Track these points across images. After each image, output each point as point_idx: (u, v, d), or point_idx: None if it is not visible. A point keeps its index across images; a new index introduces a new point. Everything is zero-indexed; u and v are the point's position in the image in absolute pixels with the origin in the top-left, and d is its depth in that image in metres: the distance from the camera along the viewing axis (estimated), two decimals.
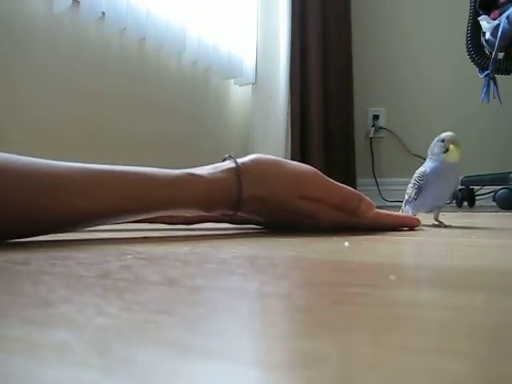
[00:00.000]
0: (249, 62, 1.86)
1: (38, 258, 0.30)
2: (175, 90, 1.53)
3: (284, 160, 0.50)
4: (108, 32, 1.29)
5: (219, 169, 0.46)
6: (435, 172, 0.59)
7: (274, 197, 0.47)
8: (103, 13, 1.25)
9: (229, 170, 0.46)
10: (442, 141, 0.60)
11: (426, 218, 0.56)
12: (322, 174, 0.50)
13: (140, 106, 1.39)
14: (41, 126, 1.11)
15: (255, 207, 0.47)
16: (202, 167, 0.46)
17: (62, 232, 0.42)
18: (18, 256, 0.31)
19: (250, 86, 1.89)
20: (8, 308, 0.17)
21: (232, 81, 1.82)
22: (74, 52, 1.20)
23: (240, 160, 0.47)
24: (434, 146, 0.61)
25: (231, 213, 0.47)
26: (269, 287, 0.21)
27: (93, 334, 0.14)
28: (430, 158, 0.61)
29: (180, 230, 0.56)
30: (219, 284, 0.22)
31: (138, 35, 1.36)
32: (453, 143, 0.58)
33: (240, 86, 1.85)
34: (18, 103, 1.08)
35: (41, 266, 0.27)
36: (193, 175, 0.44)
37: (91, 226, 0.42)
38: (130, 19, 1.32)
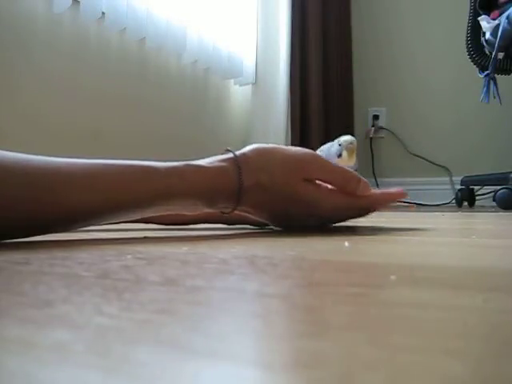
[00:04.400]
0: (249, 62, 1.86)
1: (37, 257, 0.30)
2: (175, 89, 1.53)
3: (283, 146, 0.50)
4: (108, 32, 1.29)
5: (218, 159, 0.46)
6: None
7: (275, 183, 0.47)
8: (103, 13, 1.25)
9: (228, 160, 0.46)
10: (340, 144, 0.61)
11: (424, 218, 0.56)
12: (321, 156, 0.51)
13: (140, 106, 1.39)
14: (41, 125, 1.11)
15: (257, 198, 0.47)
16: (201, 160, 0.46)
17: (63, 230, 0.42)
18: (17, 256, 0.31)
19: (250, 86, 1.89)
20: (7, 308, 0.17)
21: (232, 81, 1.82)
22: (74, 52, 1.20)
23: (239, 151, 0.47)
24: (332, 147, 0.62)
25: (232, 206, 0.47)
26: (269, 287, 0.21)
27: (93, 334, 0.14)
28: (327, 157, 0.61)
29: (180, 230, 0.56)
30: (219, 284, 0.22)
31: (138, 35, 1.36)
32: (347, 150, 0.60)
33: (240, 85, 1.85)
34: (18, 103, 1.08)
35: (40, 266, 0.27)
36: (192, 166, 0.44)
37: (93, 223, 0.42)
38: (130, 19, 1.32)
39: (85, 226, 0.43)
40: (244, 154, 0.47)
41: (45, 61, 1.13)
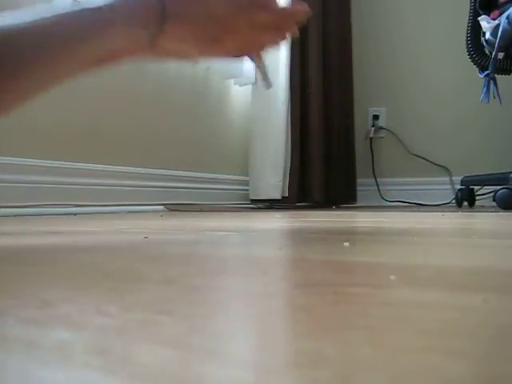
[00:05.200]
0: (249, 62, 1.86)
1: (38, 257, 0.30)
2: (175, 89, 1.53)
3: None
4: None
5: None
6: None
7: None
8: None
9: None
10: None
11: (424, 218, 0.56)
12: None
13: (140, 106, 1.39)
14: (40, 126, 1.11)
15: (179, 17, 0.50)
16: None
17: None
18: (17, 256, 0.31)
19: (250, 86, 1.89)
20: (8, 308, 0.17)
21: (232, 81, 1.82)
22: None
23: None
24: None
25: (159, 28, 0.50)
26: (269, 287, 0.21)
27: (93, 334, 0.14)
28: None
29: (179, 230, 0.56)
30: (219, 284, 0.22)
31: None
32: None
33: (240, 85, 1.85)
34: None
35: (41, 266, 0.27)
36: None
37: (51, 63, 0.46)
38: None
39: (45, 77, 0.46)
40: None
41: None
